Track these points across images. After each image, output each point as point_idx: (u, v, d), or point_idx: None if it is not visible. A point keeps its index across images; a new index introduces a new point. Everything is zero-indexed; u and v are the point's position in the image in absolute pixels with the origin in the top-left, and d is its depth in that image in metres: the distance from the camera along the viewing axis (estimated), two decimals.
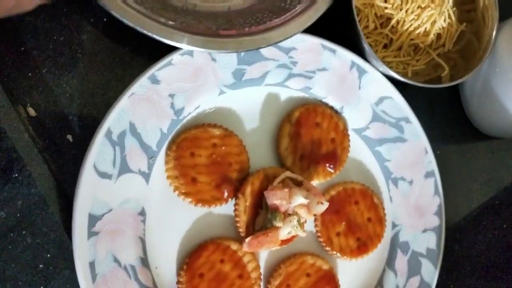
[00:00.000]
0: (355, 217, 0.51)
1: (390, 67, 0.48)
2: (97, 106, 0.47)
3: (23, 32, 0.45)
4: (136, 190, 0.45)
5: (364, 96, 0.51)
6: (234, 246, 0.47)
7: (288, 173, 0.48)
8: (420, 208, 0.53)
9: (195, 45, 0.42)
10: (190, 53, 0.45)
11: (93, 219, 0.42)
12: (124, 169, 0.44)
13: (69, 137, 0.46)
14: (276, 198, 0.45)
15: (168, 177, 0.46)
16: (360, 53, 0.50)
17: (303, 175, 0.49)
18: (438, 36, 0.54)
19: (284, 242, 0.47)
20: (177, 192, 0.46)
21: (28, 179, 0.41)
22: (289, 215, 0.46)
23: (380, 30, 0.52)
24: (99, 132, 0.43)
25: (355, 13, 0.46)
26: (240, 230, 0.47)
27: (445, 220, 0.54)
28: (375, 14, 0.51)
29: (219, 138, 0.47)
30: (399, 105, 0.51)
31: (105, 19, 0.48)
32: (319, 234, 0.50)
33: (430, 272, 0.52)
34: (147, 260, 0.46)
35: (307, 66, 0.49)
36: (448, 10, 0.53)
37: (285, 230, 0.45)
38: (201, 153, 0.46)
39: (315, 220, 0.50)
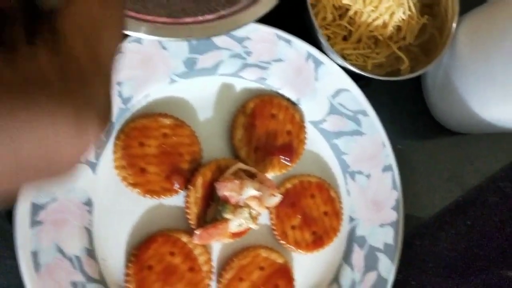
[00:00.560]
0: (311, 210, 0.50)
1: (350, 60, 0.47)
2: None
3: None
4: (82, 180, 0.44)
5: (320, 88, 0.50)
6: (184, 238, 0.46)
7: (240, 165, 0.47)
8: (377, 202, 0.52)
9: (144, 32, 0.41)
10: (139, 40, 0.44)
11: (36, 208, 0.42)
12: None
13: None
14: (226, 189, 0.44)
15: (116, 167, 0.45)
16: (318, 44, 0.49)
17: (258, 167, 0.48)
18: (399, 28, 0.53)
19: (236, 235, 0.46)
20: (125, 183, 0.45)
21: None
22: (240, 207, 0.45)
23: (338, 22, 0.51)
24: None
25: (309, 5, 0.46)
26: (191, 222, 0.46)
27: (407, 216, 0.53)
28: (333, 5, 0.50)
29: (169, 128, 0.46)
30: (356, 98, 0.51)
31: None
32: (274, 227, 0.49)
33: (387, 267, 0.51)
34: (94, 251, 0.45)
35: (261, 57, 0.48)
36: (408, 2, 0.52)
37: (236, 222, 0.45)
38: (150, 143, 0.45)
39: (270, 213, 0.49)
